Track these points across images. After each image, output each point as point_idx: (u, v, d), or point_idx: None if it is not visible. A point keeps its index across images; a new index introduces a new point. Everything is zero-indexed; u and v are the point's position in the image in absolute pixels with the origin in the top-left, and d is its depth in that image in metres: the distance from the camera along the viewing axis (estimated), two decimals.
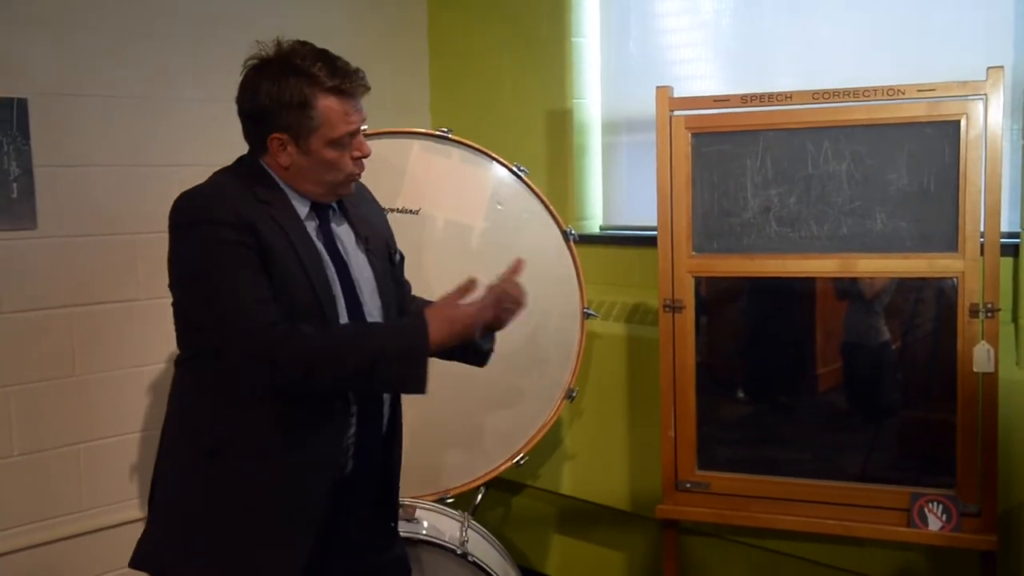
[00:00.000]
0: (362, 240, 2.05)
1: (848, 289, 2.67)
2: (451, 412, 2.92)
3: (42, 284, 2.87)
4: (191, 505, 1.97)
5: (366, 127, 1.98)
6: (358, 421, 2.00)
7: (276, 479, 1.92)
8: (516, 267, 2.06)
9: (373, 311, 2.02)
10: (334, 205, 2.04)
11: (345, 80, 1.90)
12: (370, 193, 2.22)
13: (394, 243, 2.19)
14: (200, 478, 1.95)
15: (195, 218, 1.89)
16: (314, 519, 1.94)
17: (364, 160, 1.99)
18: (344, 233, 2.04)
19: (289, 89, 1.87)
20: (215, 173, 2.03)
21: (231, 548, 1.93)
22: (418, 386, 1.86)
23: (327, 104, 1.88)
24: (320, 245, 1.96)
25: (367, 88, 1.95)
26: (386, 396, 2.09)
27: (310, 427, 1.92)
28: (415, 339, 1.86)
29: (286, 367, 1.83)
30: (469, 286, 2.03)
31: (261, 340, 1.82)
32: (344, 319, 1.95)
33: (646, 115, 2.85)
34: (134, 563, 2.05)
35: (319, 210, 2.00)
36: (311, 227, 1.97)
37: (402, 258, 2.21)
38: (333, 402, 1.94)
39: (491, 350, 2.21)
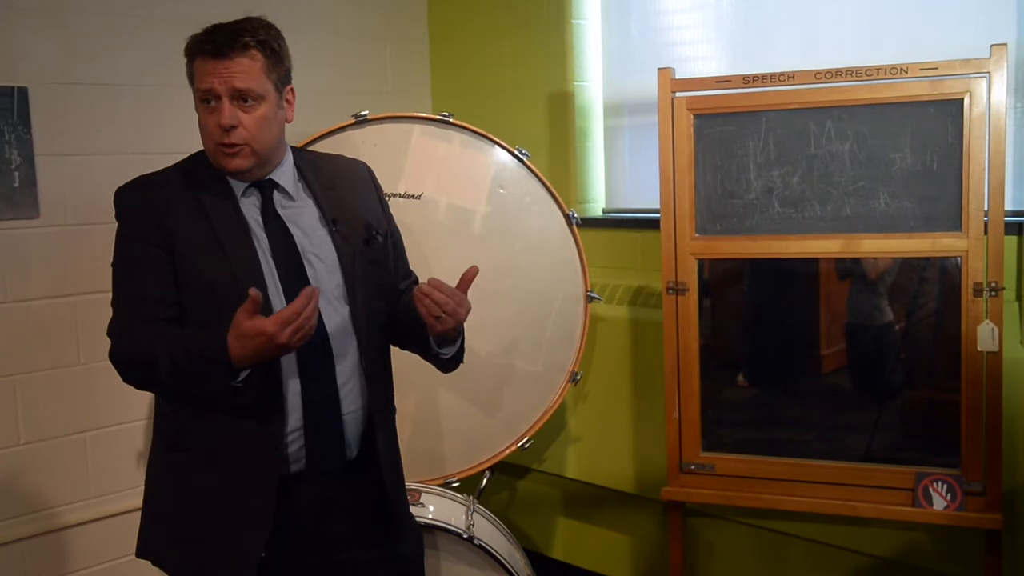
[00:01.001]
0: (327, 221, 2.05)
1: (851, 270, 2.66)
2: (456, 397, 2.93)
3: (46, 273, 2.87)
4: (163, 497, 2.08)
5: (255, 103, 1.95)
6: (304, 422, 1.98)
7: (219, 474, 1.98)
8: (466, 277, 2.03)
9: (328, 288, 2.01)
10: (294, 183, 2.07)
11: (201, 42, 1.97)
12: (364, 175, 2.21)
13: (381, 226, 2.16)
14: (167, 472, 2.07)
15: (116, 211, 2.04)
16: (263, 515, 1.95)
17: (236, 132, 1.94)
18: (300, 211, 2.05)
19: (185, 51, 2.01)
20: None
21: (194, 540, 2.01)
22: (221, 394, 1.86)
23: (196, 66, 1.98)
24: (253, 222, 1.99)
25: (235, 45, 1.94)
26: (351, 397, 2.04)
27: (239, 425, 1.94)
28: (214, 352, 1.83)
29: (116, 366, 1.96)
30: (470, 275, 2.03)
31: (111, 340, 1.96)
32: (278, 296, 1.96)
33: (648, 97, 2.85)
34: (138, 553, 2.13)
35: (262, 188, 2.02)
36: (248, 203, 2.01)
37: (389, 240, 2.18)
38: (263, 401, 1.92)
39: (454, 358, 2.16)
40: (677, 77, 2.66)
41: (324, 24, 3.46)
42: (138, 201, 2.00)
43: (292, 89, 2.06)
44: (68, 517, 2.96)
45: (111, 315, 1.99)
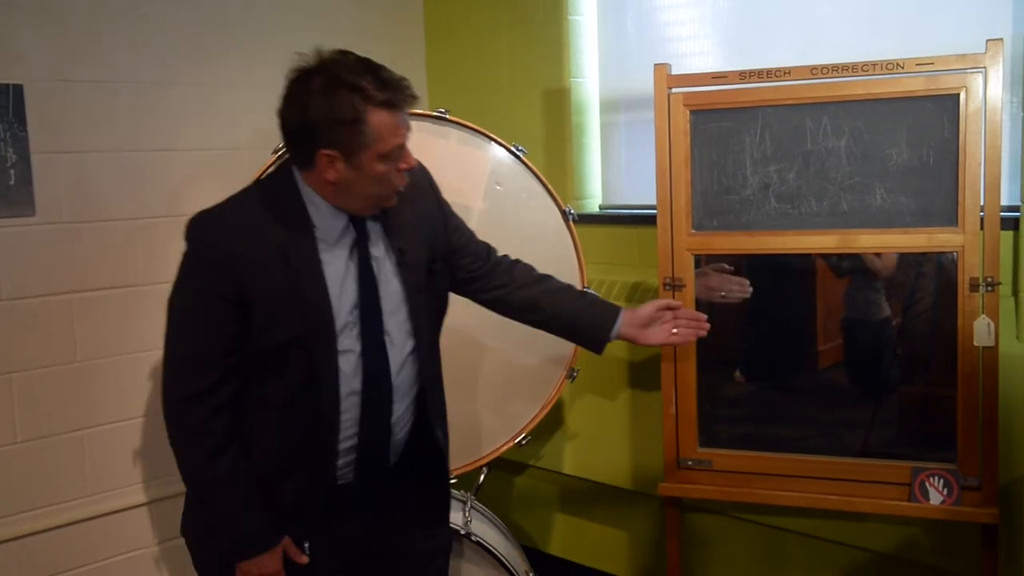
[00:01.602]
0: (394, 251, 2.02)
1: (852, 267, 2.66)
2: (453, 394, 2.91)
3: (42, 271, 2.87)
4: None
5: None
6: (356, 452, 2.04)
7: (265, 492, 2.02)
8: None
9: (392, 329, 2.02)
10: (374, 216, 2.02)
11: (395, 93, 1.84)
12: (423, 183, 2.16)
13: (440, 244, 2.15)
14: None
15: (188, 244, 1.93)
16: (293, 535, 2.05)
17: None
18: (375, 243, 2.01)
19: (341, 105, 1.80)
20: (250, 190, 2.02)
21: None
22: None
23: (378, 118, 1.82)
24: (350, 264, 1.96)
25: (416, 98, 1.90)
26: (402, 422, 2.10)
27: (294, 448, 2.00)
28: (223, 538, 2.00)
29: (166, 423, 1.96)
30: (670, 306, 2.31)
31: (165, 394, 1.95)
32: (353, 342, 1.96)
33: (644, 93, 2.84)
34: (182, 531, 2.20)
35: (356, 223, 1.97)
36: (344, 244, 1.96)
37: (445, 264, 2.19)
38: (317, 433, 1.98)
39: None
40: (673, 73, 2.66)
41: (321, 22, 3.45)
42: (214, 242, 1.90)
43: None
44: (65, 515, 2.96)
45: (165, 359, 1.95)
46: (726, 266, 2.67)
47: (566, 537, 3.57)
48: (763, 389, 2.91)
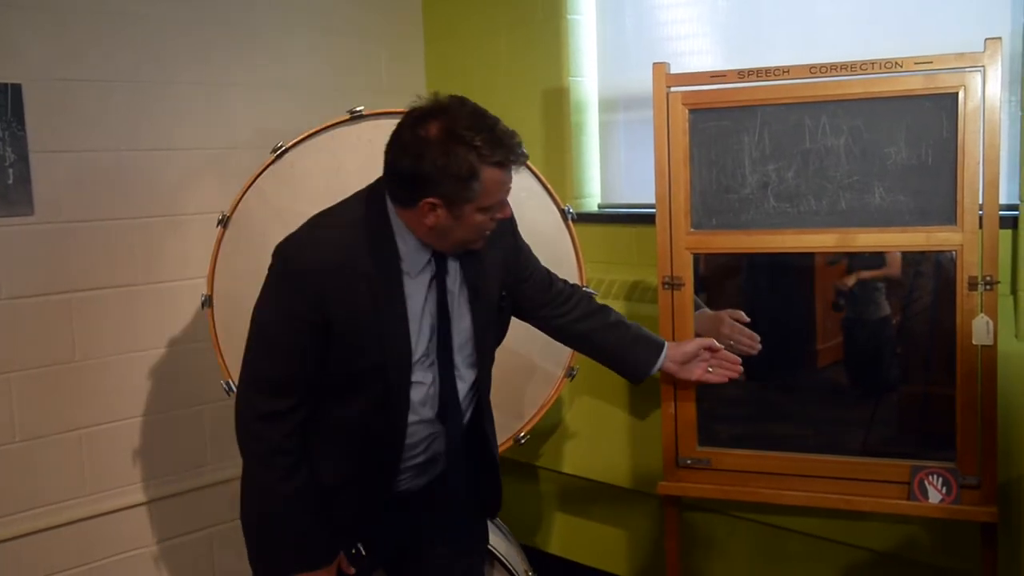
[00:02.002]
0: (468, 288, 2.06)
1: (855, 265, 2.66)
2: None
3: (41, 270, 2.87)
4: None
5: None
6: (420, 461, 2.11)
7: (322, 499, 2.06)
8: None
9: (461, 364, 2.08)
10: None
11: (509, 152, 1.87)
12: (505, 225, 2.12)
13: (512, 277, 2.21)
14: None
15: (279, 265, 1.94)
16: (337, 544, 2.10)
17: None
18: (454, 278, 2.05)
19: (457, 161, 1.82)
20: (339, 213, 2.01)
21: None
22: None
23: (490, 176, 1.86)
24: (429, 297, 1.99)
25: (526, 156, 1.92)
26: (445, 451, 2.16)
27: (357, 466, 2.05)
28: (287, 553, 2.01)
29: (237, 432, 1.99)
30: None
31: (239, 407, 1.98)
32: (424, 374, 2.01)
33: (643, 92, 2.84)
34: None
35: (437, 256, 2.00)
36: (424, 279, 1.98)
37: (509, 300, 2.23)
38: (382, 453, 2.04)
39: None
40: (672, 72, 2.65)
41: (320, 21, 3.45)
42: (305, 268, 1.91)
43: None
44: (63, 514, 2.96)
45: (245, 375, 1.98)
46: (743, 315, 2.67)
47: (565, 536, 3.57)
48: (762, 388, 2.90)
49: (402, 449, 2.03)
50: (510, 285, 2.22)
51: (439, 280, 2.00)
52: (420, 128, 1.84)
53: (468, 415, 2.17)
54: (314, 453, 2.01)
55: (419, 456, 2.09)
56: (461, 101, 1.88)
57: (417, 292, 1.97)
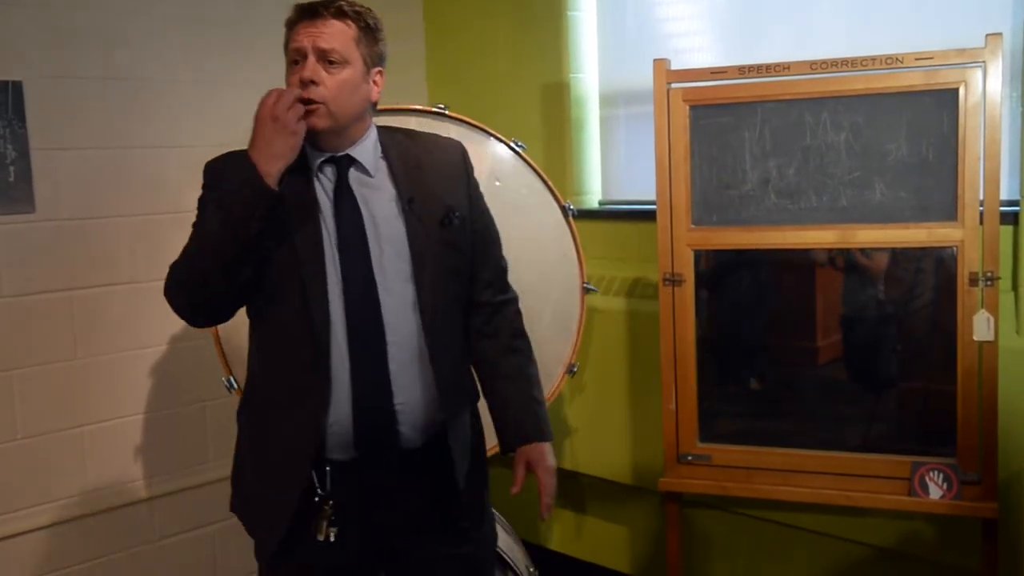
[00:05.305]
0: (402, 199, 2.01)
1: (848, 260, 2.66)
2: None
3: (42, 267, 2.87)
4: (237, 457, 2.15)
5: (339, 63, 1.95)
6: (353, 410, 1.95)
7: (263, 452, 2.03)
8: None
9: (390, 270, 1.97)
10: (375, 161, 2.03)
11: (305, 10, 1.96)
12: (455, 158, 2.13)
13: (462, 209, 2.08)
14: (239, 427, 2.12)
15: (203, 180, 2.02)
16: (287, 501, 1.96)
17: (315, 90, 1.91)
18: (376, 191, 2.01)
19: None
20: None
21: (245, 498, 2.11)
22: (259, 187, 1.83)
23: (292, 31, 1.97)
24: (324, 199, 1.97)
25: (330, 9, 1.96)
26: (409, 383, 2.00)
27: (287, 409, 1.96)
28: (242, 172, 1.84)
29: (171, 290, 1.94)
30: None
31: (169, 274, 1.95)
32: (336, 279, 1.93)
33: (644, 88, 2.84)
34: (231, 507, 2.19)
35: (338, 163, 2.00)
36: (323, 178, 1.99)
37: (469, 224, 2.10)
38: (309, 385, 1.93)
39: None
40: (673, 68, 2.65)
41: None
42: (219, 172, 1.98)
43: (382, 72, 2.07)
44: (66, 512, 2.97)
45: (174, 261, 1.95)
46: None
47: (566, 532, 3.58)
48: (763, 384, 2.91)
49: (329, 358, 1.91)
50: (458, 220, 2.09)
51: (340, 179, 1.99)
52: None
53: (420, 367, 2.00)
54: (254, 370, 2.03)
55: (351, 388, 1.94)
56: None
57: (323, 188, 1.98)
